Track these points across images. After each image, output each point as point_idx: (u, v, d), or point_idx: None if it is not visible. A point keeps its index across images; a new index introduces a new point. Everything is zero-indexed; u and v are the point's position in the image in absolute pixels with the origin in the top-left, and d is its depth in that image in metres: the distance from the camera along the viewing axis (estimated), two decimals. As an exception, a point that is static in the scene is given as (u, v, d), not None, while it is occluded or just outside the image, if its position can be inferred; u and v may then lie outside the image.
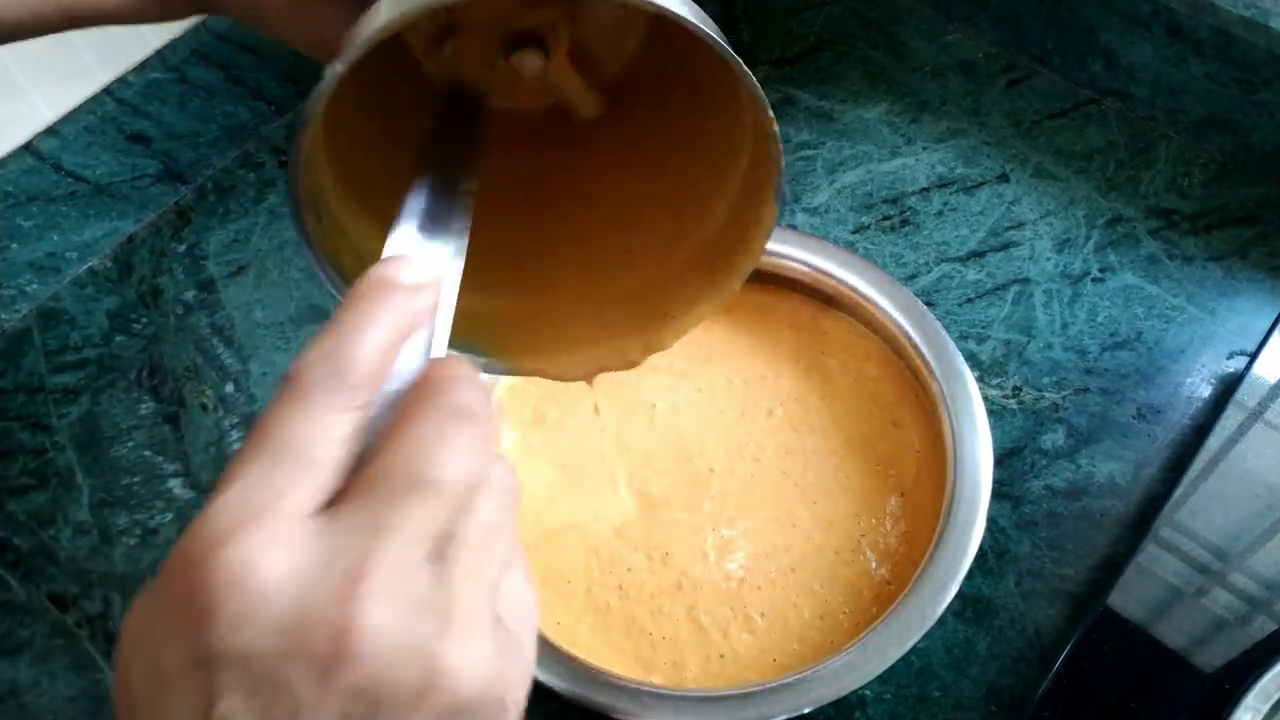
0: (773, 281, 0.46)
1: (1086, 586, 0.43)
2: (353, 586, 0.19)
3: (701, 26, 0.25)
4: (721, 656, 0.39)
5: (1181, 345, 0.49)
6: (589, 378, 0.35)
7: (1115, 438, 0.46)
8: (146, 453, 0.49)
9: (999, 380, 0.48)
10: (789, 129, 0.57)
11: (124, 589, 0.46)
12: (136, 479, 0.49)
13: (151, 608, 0.20)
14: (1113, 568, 0.42)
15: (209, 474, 0.48)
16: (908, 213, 0.53)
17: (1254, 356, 0.46)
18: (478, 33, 0.33)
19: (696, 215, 0.34)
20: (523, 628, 0.22)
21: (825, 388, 0.45)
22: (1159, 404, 0.47)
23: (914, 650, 0.36)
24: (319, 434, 0.20)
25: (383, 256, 0.24)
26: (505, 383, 0.45)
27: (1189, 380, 0.48)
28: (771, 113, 0.28)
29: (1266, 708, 0.37)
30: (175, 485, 0.48)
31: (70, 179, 0.57)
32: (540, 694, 0.36)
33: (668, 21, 0.25)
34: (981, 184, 0.54)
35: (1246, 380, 0.45)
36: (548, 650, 0.38)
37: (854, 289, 0.45)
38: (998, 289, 0.51)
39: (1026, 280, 0.51)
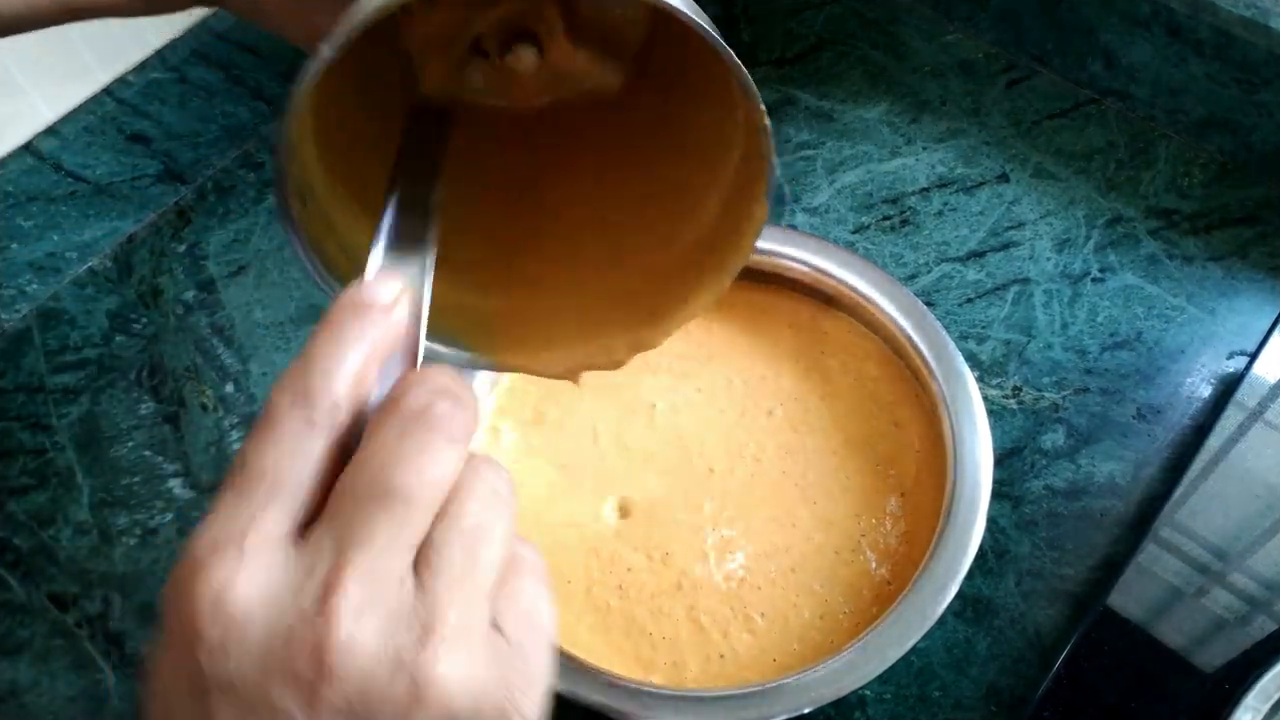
0: (773, 281, 0.46)
1: (1086, 586, 0.43)
2: (326, 602, 0.19)
3: (693, 17, 0.25)
4: (721, 656, 0.39)
5: (1181, 345, 0.49)
6: (573, 375, 0.35)
7: (1115, 438, 0.46)
8: (146, 453, 0.49)
9: (999, 380, 0.48)
10: (789, 129, 0.57)
11: (124, 589, 0.46)
12: (136, 479, 0.49)
13: (156, 637, 0.20)
14: (1113, 568, 0.42)
15: (209, 474, 0.48)
16: (908, 213, 0.54)
17: (1254, 356, 0.46)
18: (459, 31, 0.33)
19: (686, 214, 0.34)
20: (528, 634, 0.22)
21: (825, 388, 0.45)
22: (1159, 404, 0.47)
23: (914, 650, 0.36)
24: (287, 458, 0.21)
25: (358, 279, 0.24)
26: (505, 383, 0.45)
27: (1189, 380, 0.48)
28: (763, 106, 0.27)
29: (1266, 708, 0.37)
30: (175, 485, 0.48)
31: (70, 179, 0.57)
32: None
33: (661, 16, 0.25)
34: (981, 184, 0.54)
35: (1246, 380, 0.45)
36: (548, 650, 0.37)
37: (854, 289, 0.45)
38: (998, 289, 0.51)
39: (1026, 280, 0.51)
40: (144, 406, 0.51)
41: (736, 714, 0.36)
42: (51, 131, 0.57)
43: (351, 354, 0.22)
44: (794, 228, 0.53)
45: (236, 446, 0.49)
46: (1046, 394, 0.48)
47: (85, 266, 0.55)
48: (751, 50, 0.60)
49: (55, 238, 0.56)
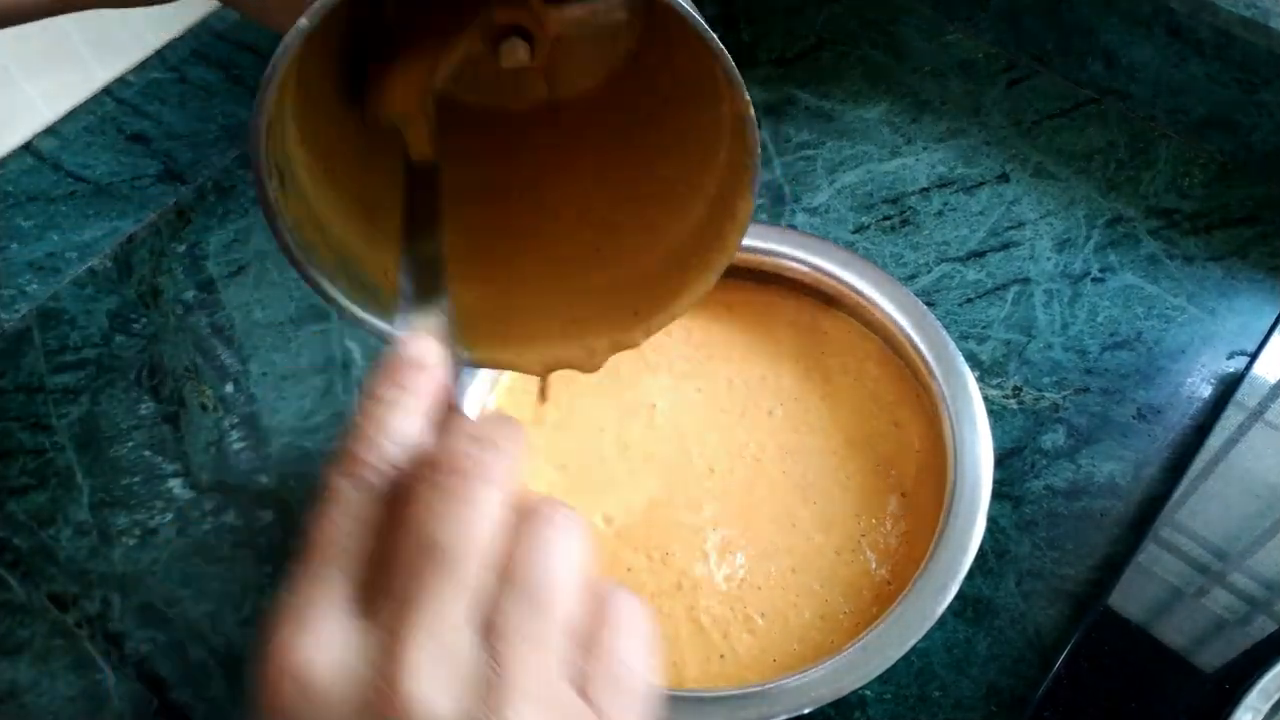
0: (773, 281, 0.46)
1: (1086, 586, 0.43)
2: (390, 670, 0.19)
3: (682, 4, 0.25)
4: (721, 657, 0.39)
5: (1181, 345, 0.49)
6: (547, 373, 0.35)
7: (1115, 438, 0.46)
8: (146, 453, 0.49)
9: (999, 380, 0.48)
10: (789, 129, 0.57)
11: (124, 589, 0.46)
12: (136, 479, 0.48)
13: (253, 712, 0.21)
14: (1113, 568, 0.42)
15: (209, 474, 0.48)
16: (908, 213, 0.53)
17: (1254, 356, 0.46)
18: (431, 86, 0.33)
19: (672, 213, 0.34)
20: (613, 699, 0.21)
21: (825, 388, 0.45)
22: (1159, 404, 0.47)
23: (914, 650, 0.36)
24: (343, 528, 0.21)
25: (391, 344, 0.25)
26: (505, 383, 0.45)
27: (1189, 380, 0.48)
28: (748, 97, 0.27)
29: (1266, 708, 0.37)
30: (175, 485, 0.48)
31: (70, 179, 0.57)
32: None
33: (652, 12, 0.25)
34: (981, 184, 0.54)
35: (1246, 380, 0.45)
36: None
37: (854, 289, 0.45)
38: (998, 289, 0.51)
39: (1027, 280, 0.51)
40: (144, 406, 0.51)
41: (736, 714, 0.36)
42: (51, 131, 0.57)
43: (395, 418, 0.22)
44: (794, 228, 0.53)
45: (236, 446, 0.49)
46: (1046, 394, 0.48)
47: (85, 266, 0.55)
48: (751, 50, 0.60)
49: (55, 238, 0.56)
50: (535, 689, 0.19)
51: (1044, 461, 0.46)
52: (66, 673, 0.44)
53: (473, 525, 0.20)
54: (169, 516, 0.47)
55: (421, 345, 0.24)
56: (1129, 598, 0.40)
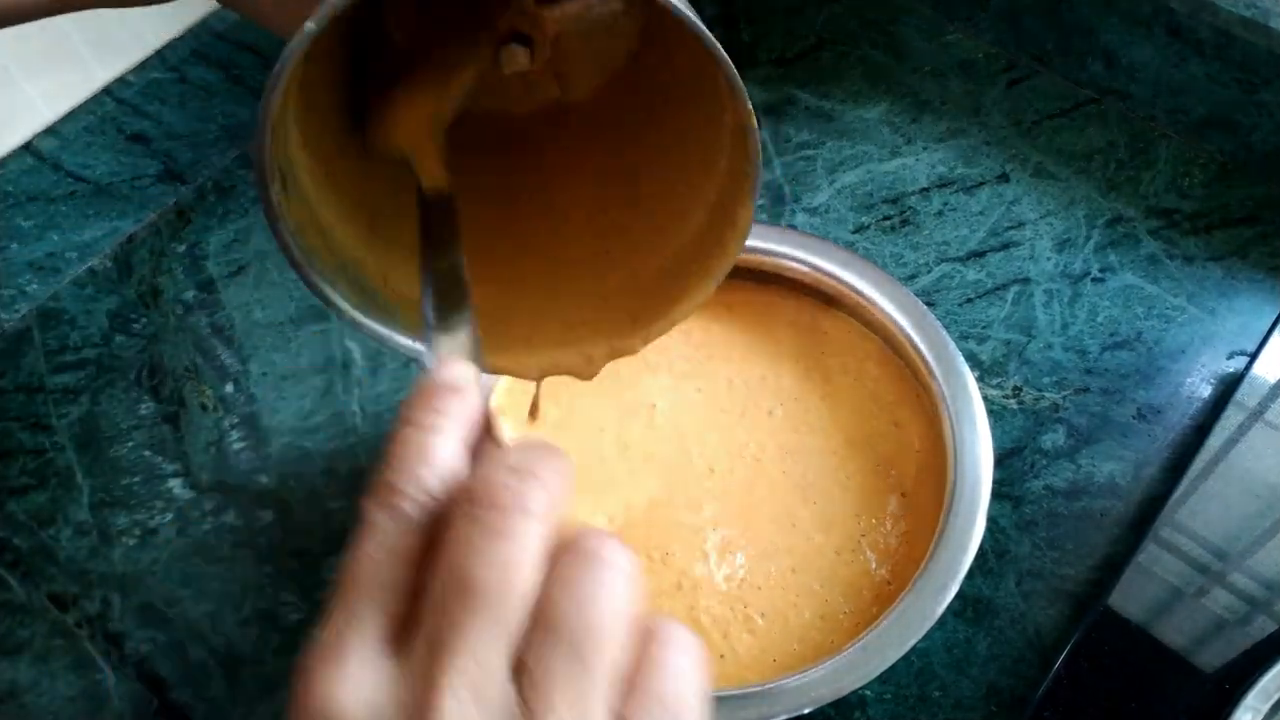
0: (773, 281, 0.46)
1: (1086, 586, 0.43)
2: (421, 713, 0.19)
3: (684, 11, 0.25)
4: (721, 657, 0.39)
5: (1181, 345, 0.49)
6: (543, 378, 0.35)
7: (1115, 438, 0.46)
8: (146, 453, 0.49)
9: (999, 380, 0.48)
10: (789, 129, 0.57)
11: (124, 589, 0.46)
12: (136, 479, 0.49)
13: None
14: (1113, 568, 0.42)
15: (209, 474, 0.48)
16: (908, 213, 0.53)
17: (1254, 356, 0.46)
18: (442, 115, 0.33)
19: (672, 220, 0.34)
20: None
21: (825, 388, 0.45)
22: (1159, 404, 0.47)
23: (914, 650, 0.36)
24: (379, 562, 0.20)
25: (425, 366, 0.24)
26: (505, 383, 0.45)
27: (1189, 380, 0.48)
28: (750, 106, 0.27)
29: (1266, 708, 0.37)
30: (175, 485, 0.48)
31: (70, 179, 0.57)
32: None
33: (653, 16, 0.25)
34: (981, 184, 0.54)
35: (1246, 380, 0.45)
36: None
37: (854, 289, 0.45)
38: (998, 289, 0.51)
39: (1026, 280, 0.51)
40: (144, 406, 0.51)
41: (736, 714, 0.36)
42: (51, 131, 0.57)
43: (432, 444, 0.21)
44: (794, 228, 0.53)
45: (236, 446, 0.49)
46: (1046, 394, 0.48)
47: (85, 266, 0.55)
48: (751, 50, 0.60)
49: (55, 238, 0.56)
50: None
51: (1044, 461, 0.46)
52: (66, 673, 0.44)
53: (511, 563, 0.19)
54: (169, 516, 0.47)
55: (456, 368, 0.23)
56: (1129, 598, 0.40)
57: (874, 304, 0.44)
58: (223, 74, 0.60)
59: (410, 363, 0.50)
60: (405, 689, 0.19)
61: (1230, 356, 0.48)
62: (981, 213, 0.53)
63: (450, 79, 0.32)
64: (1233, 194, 0.53)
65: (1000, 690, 0.41)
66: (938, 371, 0.42)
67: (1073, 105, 0.57)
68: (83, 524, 0.47)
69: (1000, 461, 0.45)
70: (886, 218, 0.53)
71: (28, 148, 0.57)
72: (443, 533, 0.20)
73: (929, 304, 0.47)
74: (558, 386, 0.42)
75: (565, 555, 0.20)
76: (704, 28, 0.26)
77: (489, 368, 0.35)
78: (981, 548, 0.38)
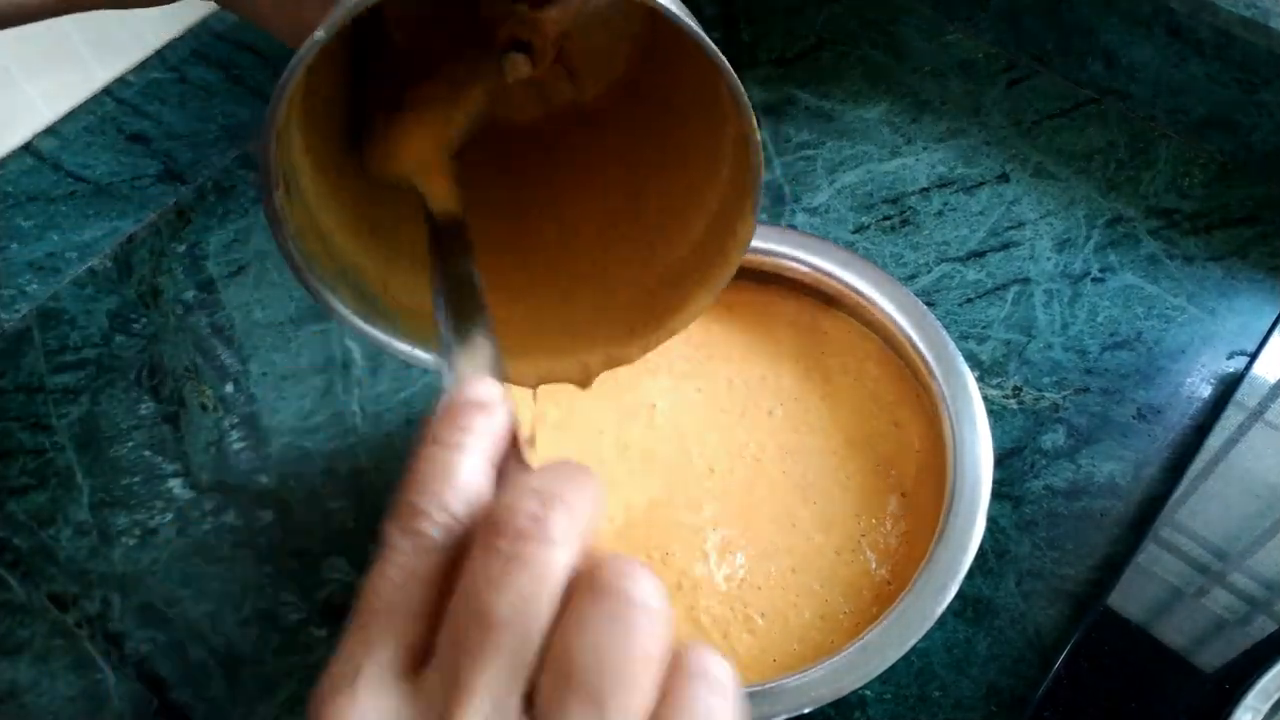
0: (773, 281, 0.46)
1: (1086, 586, 0.43)
2: None
3: (691, 25, 0.25)
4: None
5: (1181, 345, 0.49)
6: (539, 385, 0.35)
7: (1115, 438, 0.46)
8: (146, 453, 0.49)
9: (999, 380, 0.48)
10: (789, 129, 0.57)
11: (124, 589, 0.46)
12: (136, 479, 0.49)
13: None
14: (1113, 568, 0.42)
15: (209, 474, 0.48)
16: (908, 213, 0.53)
17: (1254, 356, 0.46)
18: (447, 138, 0.32)
19: (673, 231, 0.34)
20: None
21: (825, 388, 0.45)
22: (1159, 404, 0.47)
23: (914, 650, 0.36)
24: (398, 589, 0.19)
25: (450, 380, 0.24)
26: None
27: (1189, 380, 0.48)
28: (754, 120, 0.27)
29: (1266, 708, 0.37)
30: (175, 485, 0.48)
31: (70, 179, 0.57)
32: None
33: (656, 30, 0.25)
34: (981, 184, 0.54)
35: (1246, 380, 0.45)
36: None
37: (854, 289, 0.45)
38: (998, 289, 0.51)
39: (1026, 280, 0.51)
40: (144, 406, 0.51)
41: (736, 714, 0.36)
42: (51, 131, 0.57)
43: (458, 464, 0.20)
44: (794, 228, 0.53)
45: (236, 446, 0.49)
46: (1046, 394, 0.48)
47: (85, 266, 0.55)
48: (751, 50, 0.60)
49: (55, 238, 0.56)
50: None
51: (1044, 461, 0.46)
52: (66, 673, 0.44)
53: (529, 596, 0.18)
54: (169, 516, 0.47)
55: (482, 384, 0.22)
56: (1129, 598, 0.40)
57: (874, 304, 0.44)
58: (223, 74, 0.60)
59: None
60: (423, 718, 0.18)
61: (1230, 356, 0.48)
62: (981, 213, 0.53)
63: (457, 101, 0.32)
64: (1233, 194, 0.53)
65: (1000, 690, 0.41)
66: (938, 371, 0.42)
67: (1073, 105, 0.57)
68: (83, 524, 0.47)
69: (1000, 461, 0.45)
70: (886, 218, 0.53)
71: (28, 148, 0.57)
72: (463, 558, 0.19)
73: (929, 304, 0.47)
74: (557, 388, 0.42)
75: (586, 592, 0.19)
76: (707, 38, 0.25)
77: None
78: (981, 548, 0.38)
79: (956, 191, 0.54)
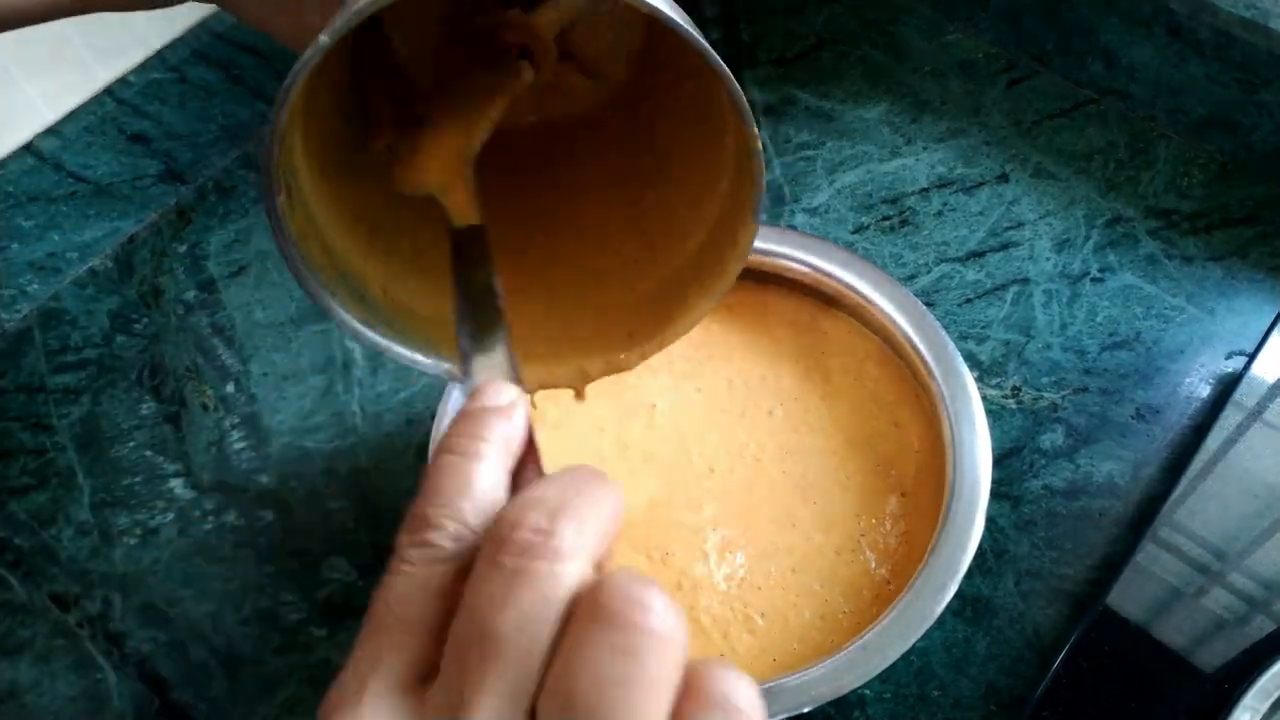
0: (773, 281, 0.46)
1: (1086, 586, 0.43)
2: None
3: (693, 34, 0.25)
4: (721, 656, 0.39)
5: (1181, 345, 0.49)
6: (537, 390, 0.35)
7: (1114, 438, 0.46)
8: (147, 453, 0.49)
9: (998, 380, 0.48)
10: (789, 129, 0.57)
11: (125, 589, 0.46)
12: (137, 479, 0.49)
13: None
14: (1112, 568, 0.42)
15: (209, 474, 0.48)
16: (907, 213, 0.54)
17: (1253, 356, 0.46)
18: (466, 152, 0.32)
19: (673, 239, 0.34)
20: None
21: (825, 388, 0.45)
22: (1158, 404, 0.47)
23: (914, 650, 0.36)
24: (407, 601, 0.19)
25: (467, 389, 0.24)
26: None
27: (1188, 380, 0.48)
28: (755, 128, 0.27)
29: (1266, 707, 0.37)
30: (176, 485, 0.48)
31: (70, 179, 0.57)
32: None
33: (657, 35, 0.25)
34: (981, 184, 0.54)
35: (1245, 380, 0.45)
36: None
37: (854, 289, 0.45)
38: (997, 289, 0.51)
39: (1026, 280, 0.51)
40: (145, 406, 0.51)
41: (736, 714, 0.36)
42: (52, 131, 0.58)
43: (474, 472, 0.20)
44: (794, 228, 0.53)
45: (237, 446, 0.49)
46: (1046, 394, 0.48)
47: (86, 266, 0.55)
48: (751, 50, 0.60)
49: (55, 238, 0.56)
50: None
51: (1043, 461, 0.46)
52: (67, 673, 0.44)
53: (533, 615, 0.18)
54: (170, 516, 0.47)
55: (501, 389, 0.22)
56: (1128, 597, 0.40)
57: (873, 304, 0.44)
58: (223, 74, 0.60)
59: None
60: None
61: (1229, 356, 0.48)
62: (981, 213, 0.53)
63: (480, 113, 0.32)
64: (1232, 194, 0.53)
65: (999, 690, 0.41)
66: (937, 371, 0.42)
67: (1073, 105, 0.57)
68: (84, 524, 0.47)
69: (999, 461, 0.45)
70: (886, 218, 0.53)
71: (28, 148, 0.57)
72: (470, 577, 0.19)
73: (928, 304, 0.47)
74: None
75: (588, 616, 0.18)
76: (709, 47, 0.25)
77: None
78: (980, 547, 0.38)
79: (956, 192, 0.54)
